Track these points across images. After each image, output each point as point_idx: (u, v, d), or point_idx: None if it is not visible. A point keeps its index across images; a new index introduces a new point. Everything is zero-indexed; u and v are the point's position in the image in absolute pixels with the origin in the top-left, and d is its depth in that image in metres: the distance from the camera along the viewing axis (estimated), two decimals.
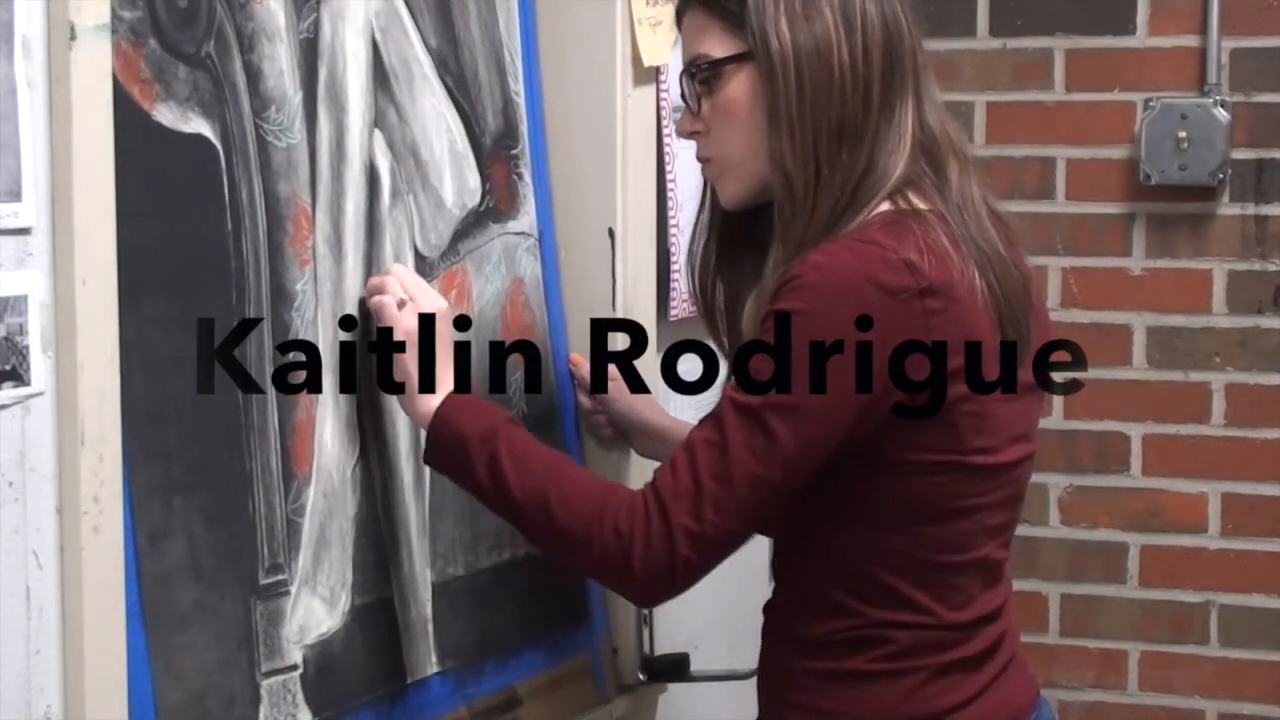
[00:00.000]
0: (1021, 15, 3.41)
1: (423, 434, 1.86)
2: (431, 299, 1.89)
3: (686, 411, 2.34)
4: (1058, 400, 3.37)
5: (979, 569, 1.82)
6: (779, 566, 1.87)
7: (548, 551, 1.89)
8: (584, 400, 2.22)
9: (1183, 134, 3.28)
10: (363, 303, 1.88)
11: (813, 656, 1.81)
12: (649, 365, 2.31)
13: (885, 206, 1.76)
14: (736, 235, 1.90)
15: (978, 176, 1.83)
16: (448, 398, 1.84)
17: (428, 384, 1.84)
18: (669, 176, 2.38)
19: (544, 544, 1.84)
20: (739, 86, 1.80)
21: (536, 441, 1.83)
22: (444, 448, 1.83)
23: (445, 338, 1.88)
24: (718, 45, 1.81)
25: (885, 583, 1.77)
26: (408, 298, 1.86)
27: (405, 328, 1.85)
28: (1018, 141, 3.42)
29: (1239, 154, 3.30)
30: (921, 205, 1.77)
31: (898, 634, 1.78)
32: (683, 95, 1.86)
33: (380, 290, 1.87)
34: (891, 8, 1.80)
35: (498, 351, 2.09)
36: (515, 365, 2.13)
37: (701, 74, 1.82)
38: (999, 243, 1.79)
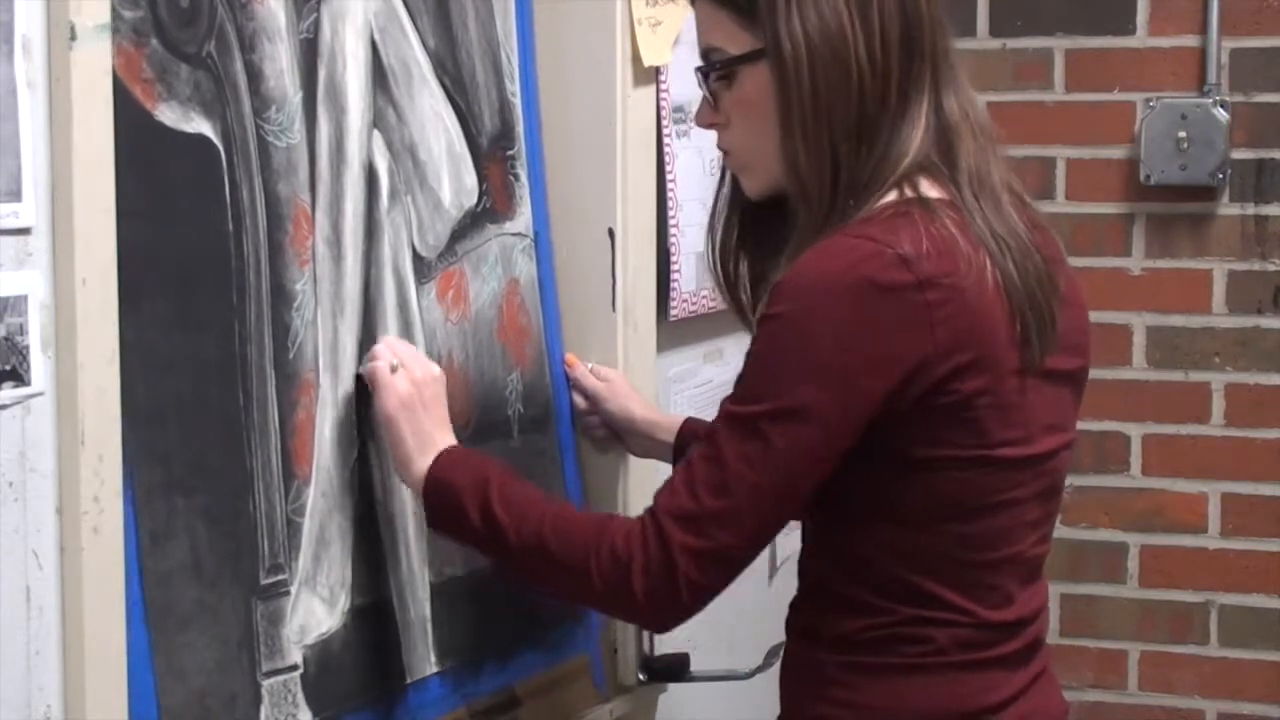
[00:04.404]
0: (1021, 15, 3.42)
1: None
2: (424, 365, 1.87)
3: (683, 411, 2.34)
4: None
5: (1016, 565, 1.77)
6: (805, 565, 1.82)
7: (549, 591, 1.86)
8: (578, 400, 2.21)
9: (1183, 134, 3.29)
10: (359, 379, 1.87)
11: (846, 652, 1.75)
12: (648, 366, 2.31)
13: (892, 196, 1.70)
14: (763, 210, 1.83)
15: (999, 160, 1.77)
16: (439, 455, 1.81)
17: (422, 449, 1.82)
18: (669, 176, 2.38)
19: (544, 583, 1.81)
20: (755, 84, 1.73)
21: (533, 486, 1.81)
22: (438, 502, 1.80)
23: (440, 402, 1.86)
24: (731, 41, 1.74)
25: (915, 584, 1.72)
26: (399, 363, 1.85)
27: (399, 393, 1.83)
28: (1018, 141, 3.41)
29: (1239, 154, 3.31)
30: (931, 193, 1.71)
31: (935, 631, 1.73)
32: (701, 85, 1.80)
33: (371, 358, 1.85)
34: None
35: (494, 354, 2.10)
36: (512, 367, 2.13)
37: (716, 70, 1.76)
38: (1020, 227, 1.72)
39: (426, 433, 1.83)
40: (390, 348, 1.87)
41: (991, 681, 1.76)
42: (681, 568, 1.67)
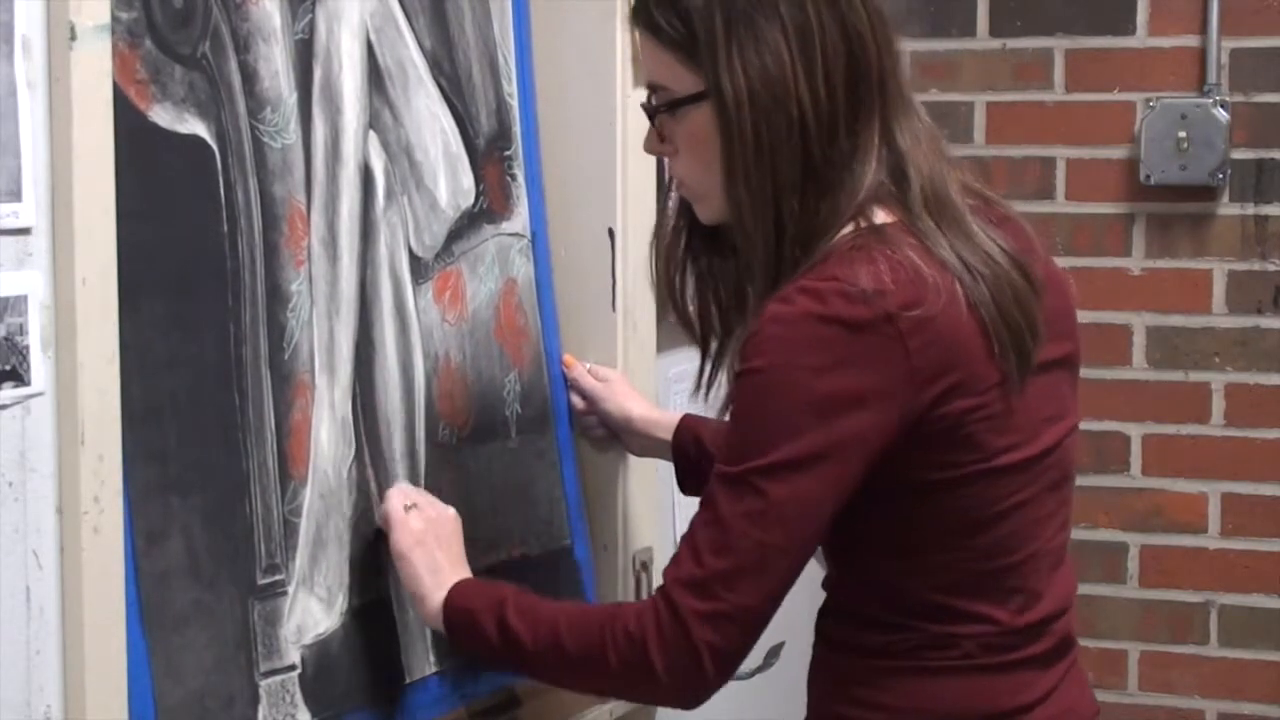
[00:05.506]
0: (1021, 15, 3.41)
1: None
2: (439, 507, 1.88)
3: (683, 411, 2.34)
4: None
5: (1038, 560, 1.75)
6: (829, 582, 1.81)
7: (573, 686, 1.86)
8: (576, 401, 2.21)
9: (1183, 134, 3.28)
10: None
11: (873, 657, 1.74)
12: (648, 366, 2.31)
13: (847, 229, 1.68)
14: (714, 228, 1.80)
15: (952, 164, 1.74)
16: (454, 587, 1.81)
17: (438, 584, 1.82)
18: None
19: (565, 679, 1.81)
20: (700, 124, 1.70)
21: (545, 599, 1.80)
22: (459, 631, 1.80)
23: (455, 540, 1.87)
24: (675, 80, 1.71)
25: (939, 602, 1.71)
26: (412, 504, 1.85)
27: (412, 530, 1.84)
28: (1018, 141, 3.42)
29: (1239, 154, 3.31)
30: (886, 219, 1.68)
31: (962, 641, 1.72)
32: (647, 111, 1.78)
33: (385, 500, 1.87)
34: (851, 14, 1.67)
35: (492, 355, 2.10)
36: (510, 367, 2.13)
37: (661, 110, 1.74)
38: (989, 245, 1.69)
39: (441, 567, 1.83)
40: (403, 492, 1.88)
41: (1020, 682, 1.75)
42: (697, 634, 1.64)
